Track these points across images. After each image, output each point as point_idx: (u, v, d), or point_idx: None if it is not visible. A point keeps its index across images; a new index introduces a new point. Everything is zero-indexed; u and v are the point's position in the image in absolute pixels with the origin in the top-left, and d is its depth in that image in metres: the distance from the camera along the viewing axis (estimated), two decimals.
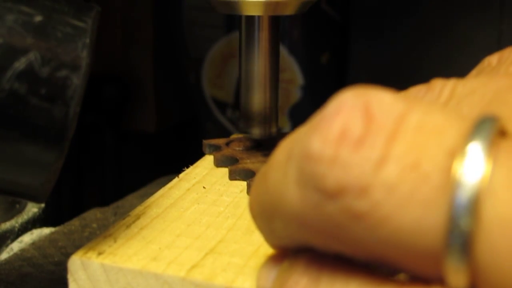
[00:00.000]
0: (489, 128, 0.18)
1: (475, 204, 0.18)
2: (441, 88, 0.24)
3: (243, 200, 0.34)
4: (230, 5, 0.36)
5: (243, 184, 0.36)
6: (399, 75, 0.68)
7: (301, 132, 0.21)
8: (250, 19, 0.38)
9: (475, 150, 0.18)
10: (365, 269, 0.21)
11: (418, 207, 0.18)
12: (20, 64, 0.24)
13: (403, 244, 0.19)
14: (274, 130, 0.39)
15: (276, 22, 0.38)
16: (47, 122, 0.25)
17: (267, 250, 0.28)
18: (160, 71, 0.75)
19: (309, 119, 0.21)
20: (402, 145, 0.19)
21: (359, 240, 0.19)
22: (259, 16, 0.37)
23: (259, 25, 0.38)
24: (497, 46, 0.64)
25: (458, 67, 0.66)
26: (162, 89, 0.75)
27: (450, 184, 0.18)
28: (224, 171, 0.38)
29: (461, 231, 0.18)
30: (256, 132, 0.39)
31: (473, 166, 0.18)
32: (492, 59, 0.27)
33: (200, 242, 0.29)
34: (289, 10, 0.37)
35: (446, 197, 0.18)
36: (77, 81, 0.25)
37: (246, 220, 0.32)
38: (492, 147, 0.18)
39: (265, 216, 0.23)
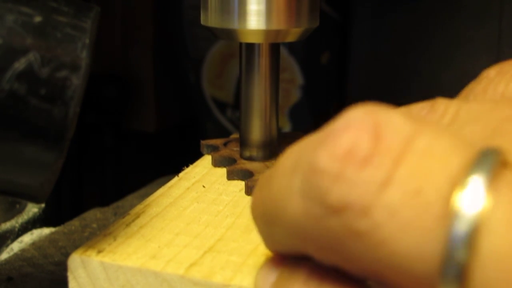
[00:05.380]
0: (492, 161, 0.18)
1: (472, 237, 0.18)
2: (444, 109, 0.23)
3: (242, 199, 0.34)
4: (231, 32, 0.36)
5: (242, 183, 0.36)
6: (399, 75, 0.68)
7: (309, 143, 0.21)
8: (250, 46, 0.38)
9: (477, 182, 0.18)
10: (365, 285, 0.21)
11: (417, 233, 0.18)
12: (19, 64, 0.24)
13: (399, 267, 0.19)
14: (274, 154, 0.39)
15: (277, 49, 0.38)
16: (47, 122, 0.25)
17: (266, 248, 0.29)
18: (160, 71, 0.75)
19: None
20: (407, 169, 0.19)
21: (357, 257, 0.20)
22: (259, 43, 0.37)
23: (259, 52, 0.38)
24: (497, 46, 0.64)
25: (458, 67, 0.66)
26: (162, 89, 0.75)
27: (449, 214, 0.18)
28: (224, 170, 0.38)
29: (456, 263, 0.18)
30: (256, 157, 0.39)
31: (473, 199, 0.18)
32: (491, 72, 0.27)
33: (199, 241, 0.29)
34: (290, 38, 0.37)
35: (444, 227, 0.18)
36: (77, 81, 0.25)
37: (245, 218, 0.32)
38: (493, 180, 0.18)
39: (266, 220, 0.23)
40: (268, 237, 0.24)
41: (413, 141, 0.19)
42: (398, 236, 0.18)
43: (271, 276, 0.24)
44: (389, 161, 0.19)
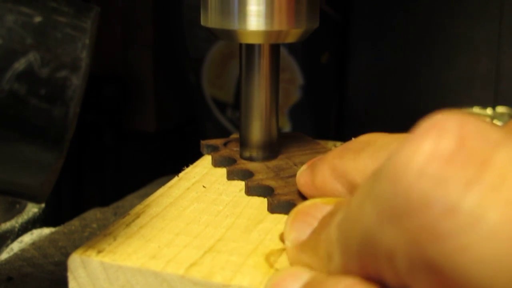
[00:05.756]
0: None
1: None
2: None
3: (242, 199, 0.34)
4: (231, 33, 0.36)
5: (242, 183, 0.36)
6: (399, 75, 0.68)
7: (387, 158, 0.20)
8: (251, 46, 0.38)
9: None
10: None
11: (504, 244, 0.17)
12: (19, 64, 0.24)
13: (476, 279, 0.18)
14: (274, 155, 0.39)
15: (277, 50, 0.38)
16: (46, 122, 0.25)
17: (266, 248, 0.29)
18: (160, 71, 0.75)
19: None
20: (495, 174, 0.18)
21: (433, 263, 0.18)
22: (259, 44, 0.37)
23: (259, 53, 0.38)
24: (497, 46, 0.64)
25: (458, 67, 0.66)
26: (162, 89, 0.75)
27: None
28: (224, 170, 0.38)
29: None
30: (256, 157, 0.39)
31: None
32: None
33: (199, 241, 0.29)
34: (290, 39, 0.37)
35: None
36: (76, 81, 0.25)
37: (245, 219, 0.32)
38: None
39: (345, 243, 0.22)
40: (346, 263, 0.23)
41: (500, 148, 0.18)
42: (483, 243, 0.17)
43: (300, 278, 0.24)
44: (475, 163, 0.18)
